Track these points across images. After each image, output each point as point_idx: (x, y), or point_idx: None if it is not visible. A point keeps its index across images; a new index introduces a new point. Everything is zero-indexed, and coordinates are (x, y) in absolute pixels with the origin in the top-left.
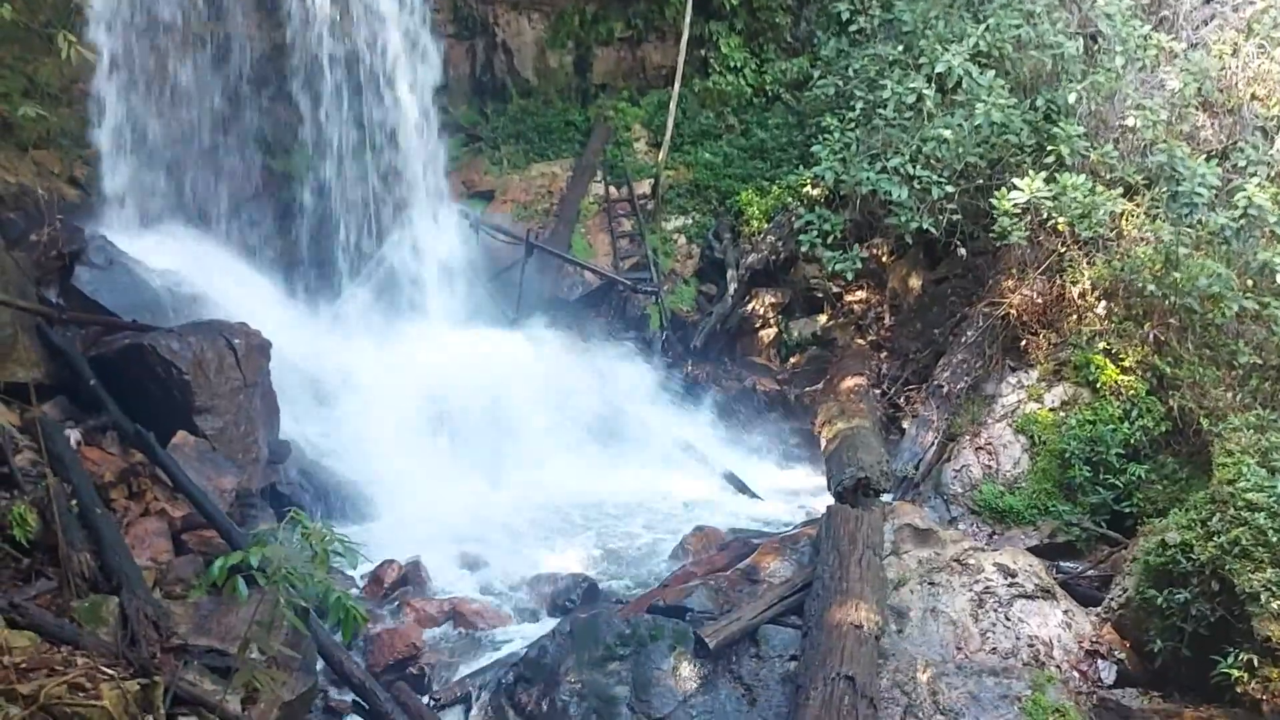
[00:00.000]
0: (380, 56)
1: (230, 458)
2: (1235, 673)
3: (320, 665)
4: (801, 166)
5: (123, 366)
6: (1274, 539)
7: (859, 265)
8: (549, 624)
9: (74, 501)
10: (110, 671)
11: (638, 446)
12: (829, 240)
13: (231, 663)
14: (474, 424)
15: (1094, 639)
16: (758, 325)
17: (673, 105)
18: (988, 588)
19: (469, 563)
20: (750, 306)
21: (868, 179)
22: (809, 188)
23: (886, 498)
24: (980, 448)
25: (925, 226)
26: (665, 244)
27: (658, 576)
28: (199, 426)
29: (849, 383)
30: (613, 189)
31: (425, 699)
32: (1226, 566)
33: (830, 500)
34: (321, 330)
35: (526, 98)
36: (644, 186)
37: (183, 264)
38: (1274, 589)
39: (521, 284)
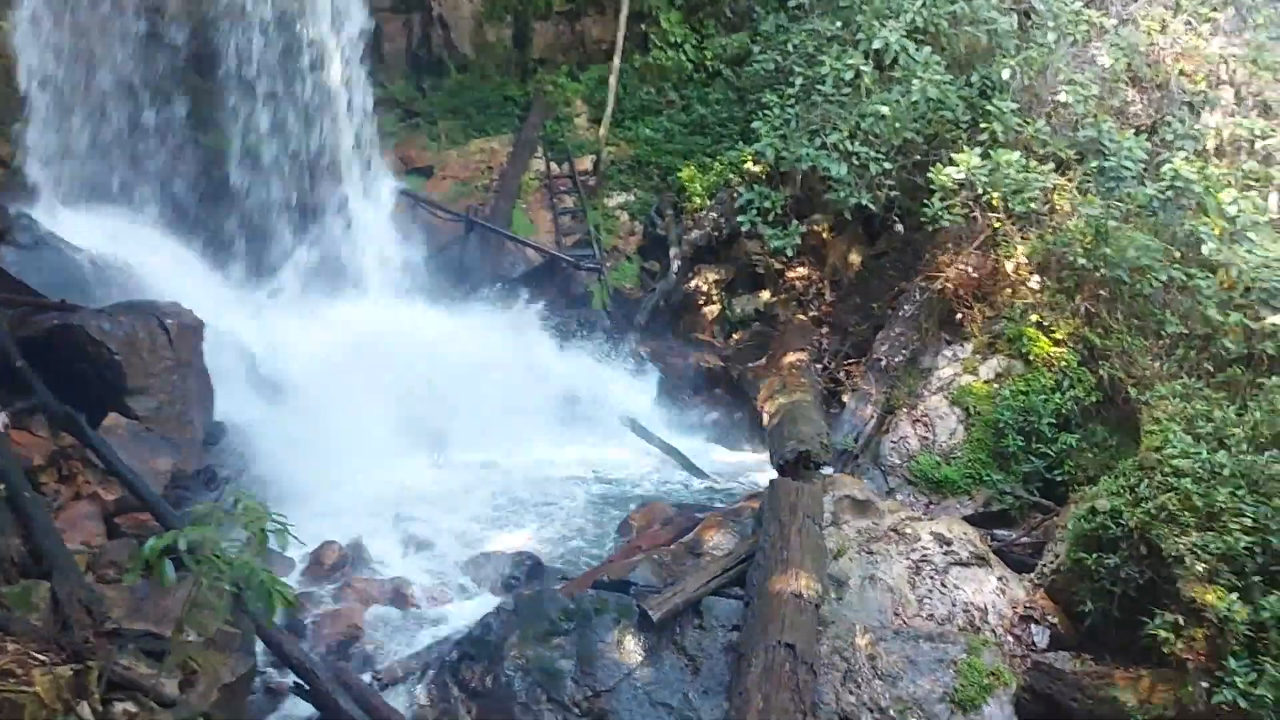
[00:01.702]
0: (312, 30)
1: (165, 439)
2: (1162, 634)
3: (261, 647)
4: (742, 142)
5: (52, 348)
6: (1199, 504)
7: (799, 242)
8: (493, 602)
9: (2, 485)
10: (42, 657)
11: (582, 423)
12: (770, 217)
13: (167, 646)
14: (415, 402)
15: (1027, 604)
16: (701, 302)
17: (613, 80)
18: (924, 556)
19: (411, 542)
20: (693, 283)
21: (807, 155)
22: (750, 164)
23: (827, 470)
24: (917, 420)
25: (864, 203)
26: (607, 221)
27: (602, 552)
28: (131, 408)
29: (791, 358)
30: (553, 165)
31: (368, 679)
32: (1154, 531)
33: (772, 474)
34: (256, 309)
35: (464, 72)
36: (585, 163)
37: (111, 243)
38: (1199, 552)
39: (462, 261)
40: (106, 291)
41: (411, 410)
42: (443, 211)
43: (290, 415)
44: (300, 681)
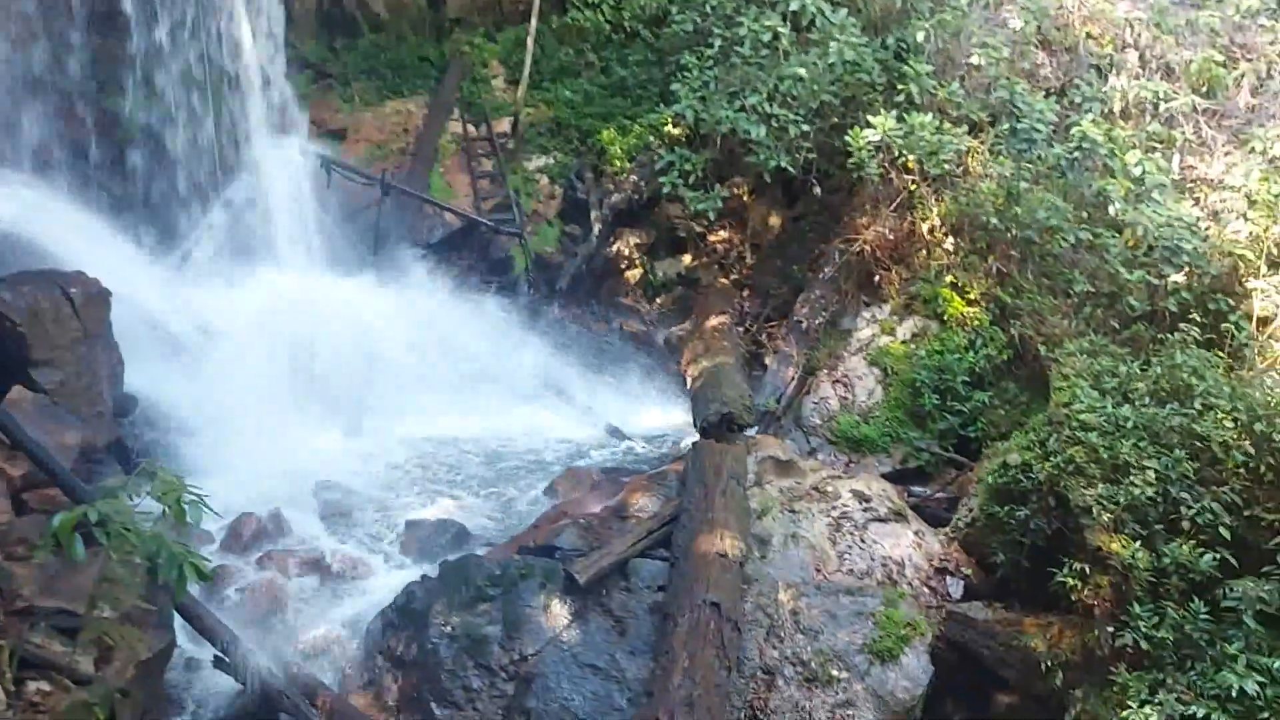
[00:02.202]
0: None
1: (73, 412)
2: (1070, 582)
3: (180, 621)
4: (662, 105)
5: None
6: (1105, 456)
7: (720, 205)
8: (417, 570)
9: None
10: None
11: (504, 390)
12: (690, 180)
13: (81, 623)
14: (332, 371)
15: (942, 557)
16: (623, 266)
17: (530, 41)
18: (845, 513)
19: (332, 512)
20: (615, 247)
21: (727, 118)
22: (670, 126)
23: (750, 432)
24: (837, 380)
25: (783, 165)
26: (527, 184)
27: (527, 519)
28: (37, 381)
29: (713, 321)
30: (471, 127)
31: (291, 650)
32: (1062, 483)
33: (696, 436)
34: (165, 277)
35: (378, 32)
36: (503, 125)
37: (11, 210)
38: (1105, 503)
39: (378, 226)
40: (6, 261)
41: (328, 380)
42: (357, 175)
43: (203, 387)
44: (220, 655)
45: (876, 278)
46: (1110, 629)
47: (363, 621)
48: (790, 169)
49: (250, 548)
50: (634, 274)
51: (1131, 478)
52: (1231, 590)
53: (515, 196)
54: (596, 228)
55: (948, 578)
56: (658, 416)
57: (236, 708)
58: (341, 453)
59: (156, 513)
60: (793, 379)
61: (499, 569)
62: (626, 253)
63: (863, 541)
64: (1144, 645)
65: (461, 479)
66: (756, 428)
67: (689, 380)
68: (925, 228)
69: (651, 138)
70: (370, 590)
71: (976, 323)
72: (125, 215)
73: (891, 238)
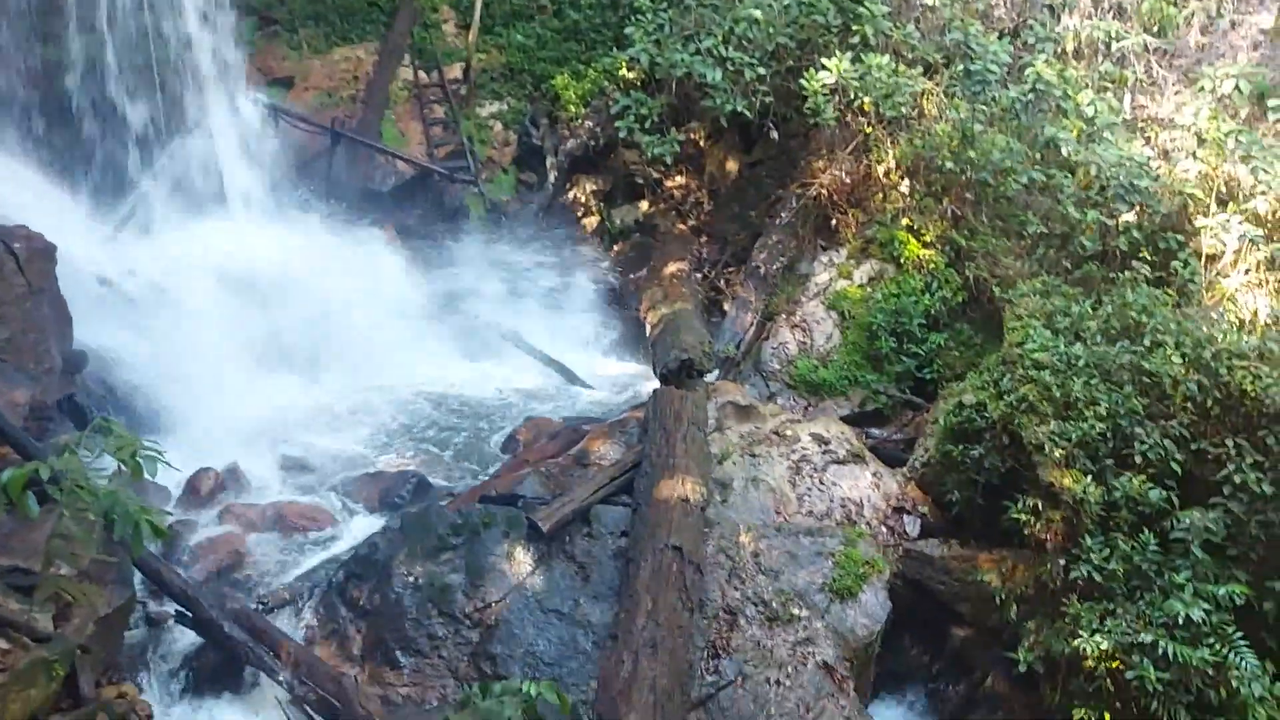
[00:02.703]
0: None
1: (21, 369)
2: (1022, 517)
3: (141, 577)
4: (616, 49)
5: None
6: (1057, 394)
7: (677, 149)
8: (378, 521)
9: None
10: None
11: (463, 340)
12: (646, 124)
13: (37, 580)
14: (287, 322)
15: (900, 497)
16: (580, 213)
17: None
18: (804, 456)
19: (291, 465)
20: (572, 194)
21: (682, 61)
22: (624, 71)
23: (710, 377)
24: (796, 325)
25: (739, 109)
26: (481, 131)
27: (489, 468)
28: None
29: (671, 268)
30: (422, 74)
31: (253, 604)
32: (1015, 421)
33: (656, 383)
34: (113, 231)
35: None
36: (455, 71)
37: None
38: (1056, 439)
39: (330, 175)
40: None
41: (282, 332)
42: (307, 124)
43: (155, 341)
44: (182, 609)
45: (833, 222)
46: (1062, 562)
47: (324, 573)
48: (747, 113)
49: (209, 502)
50: (591, 221)
51: (1083, 414)
52: (1179, 522)
53: (469, 144)
54: (552, 175)
55: (905, 517)
56: (618, 365)
57: (199, 662)
58: (300, 405)
59: (112, 469)
60: (751, 324)
61: (461, 518)
62: (583, 199)
63: (822, 483)
64: (1095, 577)
65: (420, 429)
66: (716, 373)
67: (648, 327)
68: (881, 171)
69: (606, 82)
70: (331, 542)
71: (932, 265)
72: (68, 168)
73: (848, 181)
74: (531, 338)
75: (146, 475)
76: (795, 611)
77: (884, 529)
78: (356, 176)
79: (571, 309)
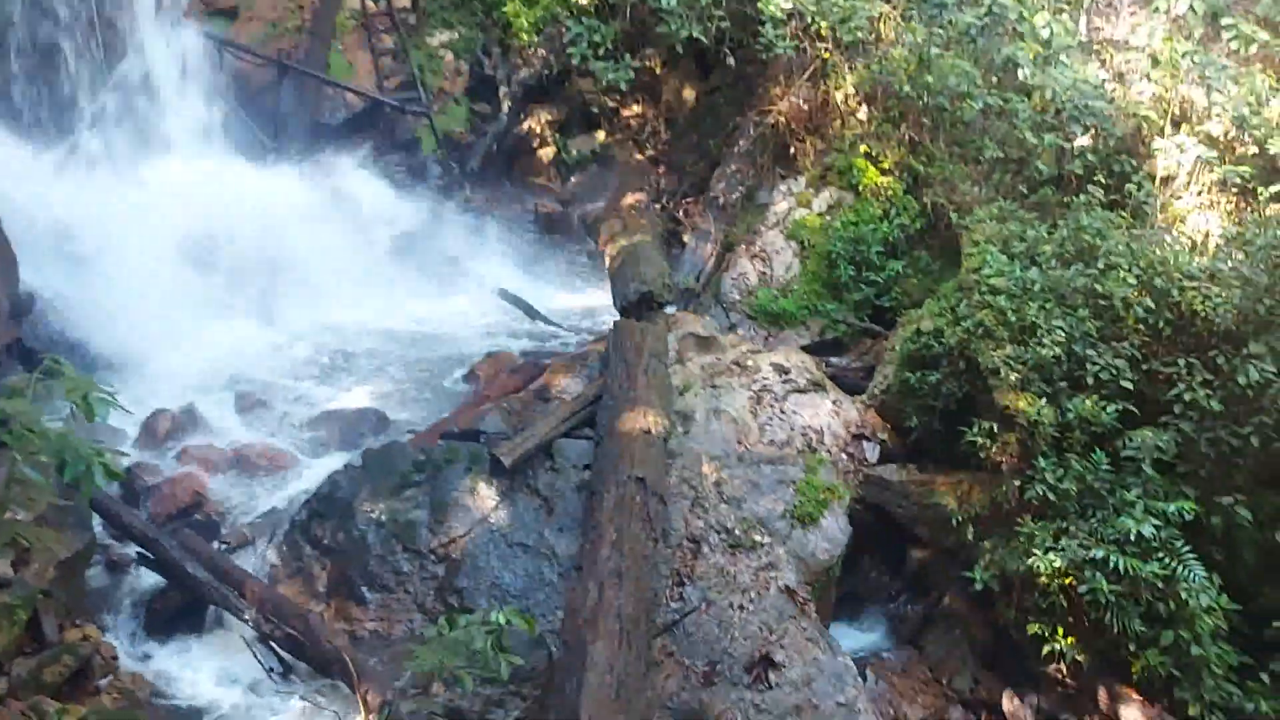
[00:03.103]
0: None
1: None
2: (979, 441)
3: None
4: None
5: None
6: (1013, 319)
7: (632, 77)
8: (338, 459)
9: None
10: None
11: (420, 276)
12: (600, 52)
13: None
14: (240, 261)
15: (859, 424)
16: (535, 144)
17: None
18: (765, 386)
19: (249, 405)
20: (526, 125)
21: None
22: None
23: (670, 309)
24: (755, 255)
25: (695, 35)
26: (431, 61)
27: (449, 404)
28: None
29: (629, 199)
30: (370, 3)
31: (215, 544)
32: (972, 347)
33: (616, 316)
34: (54, 170)
35: None
36: None
37: None
38: (1012, 363)
39: (277, 110)
40: None
41: (236, 271)
42: (252, 56)
43: (105, 282)
44: (143, 551)
45: (791, 150)
46: (1017, 483)
47: (287, 512)
48: (703, 39)
49: (166, 444)
50: (546, 152)
51: (1038, 338)
52: (1130, 440)
53: (419, 74)
54: (506, 105)
55: (864, 443)
56: (578, 298)
57: (163, 603)
58: (258, 344)
59: (65, 413)
60: (711, 255)
61: (423, 454)
62: (538, 130)
63: (783, 413)
64: (1049, 496)
65: (379, 367)
66: (676, 305)
67: (607, 260)
68: (839, 97)
69: (559, 8)
70: (292, 481)
71: (890, 192)
72: (7, 107)
73: (805, 108)
74: (488, 272)
75: (100, 418)
76: (757, 538)
77: (844, 456)
78: (305, 110)
79: (529, 242)
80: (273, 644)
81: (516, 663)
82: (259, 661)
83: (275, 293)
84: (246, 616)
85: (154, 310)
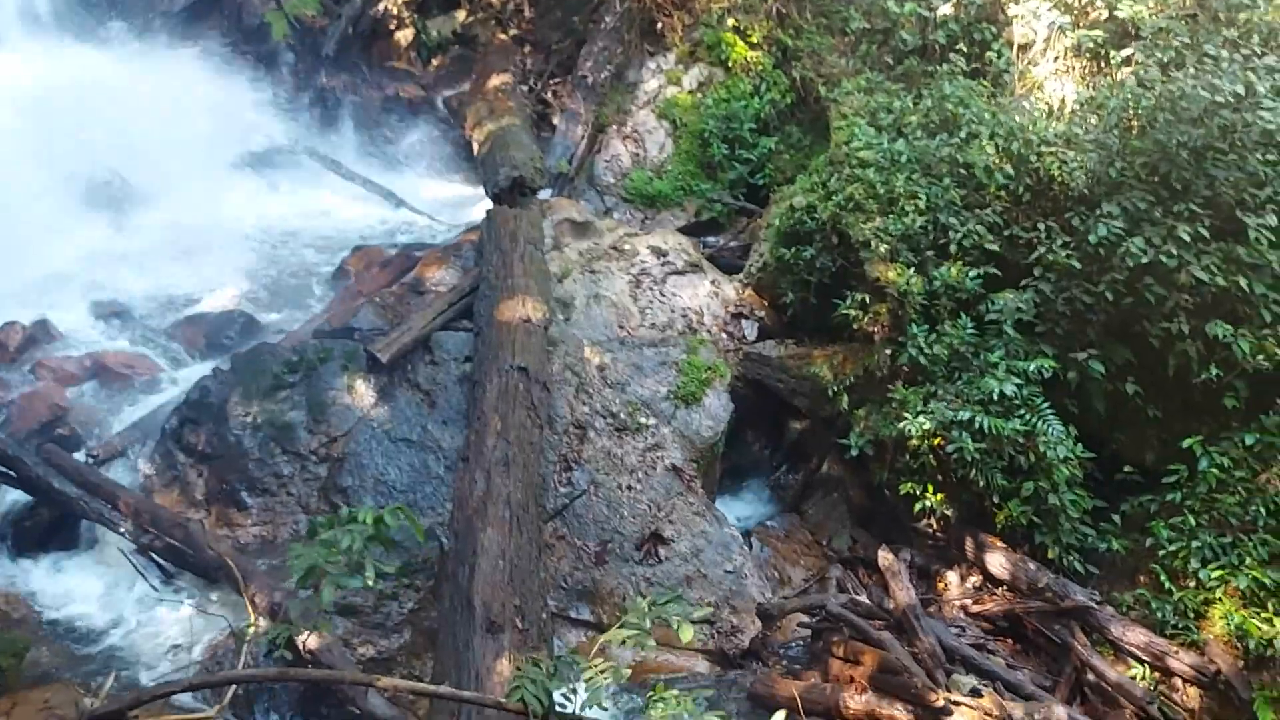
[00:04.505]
0: None
1: None
2: (852, 312)
3: None
4: None
5: None
6: (881, 191)
7: None
8: (207, 365)
9: None
10: None
11: (277, 169)
12: None
13: None
14: (84, 160)
15: (738, 303)
16: (393, 26)
17: None
18: (644, 269)
19: (106, 312)
20: (382, 6)
21: None
22: None
23: (544, 194)
24: (627, 137)
25: None
26: None
27: (320, 303)
28: None
29: (495, 81)
30: None
31: (82, 457)
32: (843, 220)
33: (488, 203)
34: None
35: None
36: None
37: None
38: (881, 235)
39: None
40: None
41: (81, 169)
42: None
43: None
44: (5, 469)
45: (659, 25)
46: (888, 351)
47: (156, 421)
48: None
49: (19, 358)
50: (405, 34)
51: (904, 209)
52: (993, 304)
53: None
54: None
55: (743, 321)
56: (447, 187)
57: (32, 520)
58: (109, 246)
59: None
60: (583, 137)
61: (295, 354)
62: (394, 11)
63: (662, 295)
64: (920, 362)
65: (243, 266)
66: (550, 190)
67: (475, 145)
68: None
69: None
70: (158, 389)
71: (760, 67)
72: None
73: None
74: (350, 162)
75: None
76: (643, 420)
77: (724, 335)
78: None
79: (392, 130)
80: (153, 555)
81: (387, 569)
82: (140, 573)
83: (125, 193)
84: (123, 529)
85: None
